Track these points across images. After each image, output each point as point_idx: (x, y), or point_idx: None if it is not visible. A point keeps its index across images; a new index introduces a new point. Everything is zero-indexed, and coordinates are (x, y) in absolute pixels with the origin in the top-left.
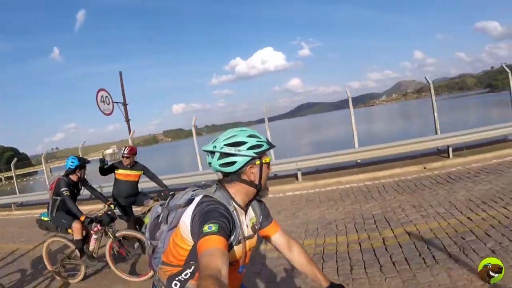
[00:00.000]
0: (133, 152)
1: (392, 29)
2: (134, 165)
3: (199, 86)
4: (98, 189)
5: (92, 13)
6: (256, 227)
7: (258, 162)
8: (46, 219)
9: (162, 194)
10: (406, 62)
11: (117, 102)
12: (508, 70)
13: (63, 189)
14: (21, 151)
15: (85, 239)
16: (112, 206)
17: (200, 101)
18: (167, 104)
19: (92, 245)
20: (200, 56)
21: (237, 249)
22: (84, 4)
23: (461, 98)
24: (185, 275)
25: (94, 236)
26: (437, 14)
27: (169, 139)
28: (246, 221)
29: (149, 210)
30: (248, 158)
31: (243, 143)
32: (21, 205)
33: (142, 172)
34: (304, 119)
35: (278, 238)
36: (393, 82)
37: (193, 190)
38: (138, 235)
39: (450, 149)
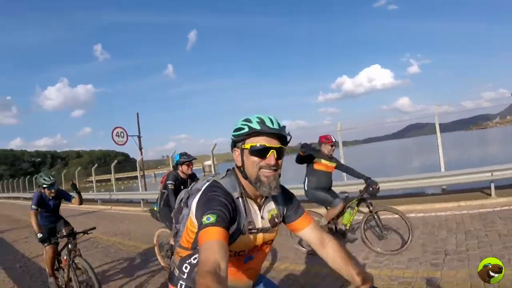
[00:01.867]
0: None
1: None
2: (332, 157)
3: (305, 103)
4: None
5: (203, 33)
6: (276, 220)
7: (240, 146)
8: (156, 209)
9: (371, 189)
10: None
11: (132, 135)
12: None
13: (169, 182)
14: (131, 156)
15: None
16: None
17: (306, 119)
18: None
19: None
20: (307, 74)
21: (244, 239)
22: (195, 26)
23: None
24: (194, 259)
25: None
26: None
27: None
28: (263, 212)
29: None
30: (231, 141)
31: (235, 125)
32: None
33: (336, 164)
34: (412, 140)
35: (308, 233)
36: (509, 102)
37: (213, 176)
38: None
39: None
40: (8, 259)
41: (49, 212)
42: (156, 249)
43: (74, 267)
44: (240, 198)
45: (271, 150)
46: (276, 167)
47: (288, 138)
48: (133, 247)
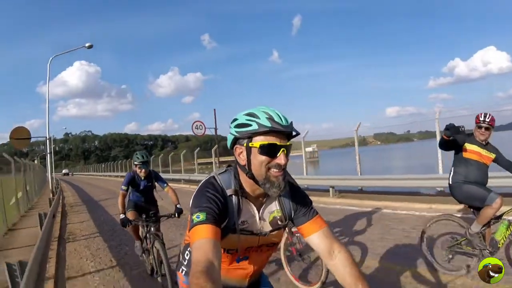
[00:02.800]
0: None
1: None
2: (487, 144)
3: (415, 88)
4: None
5: (307, 18)
6: (280, 223)
7: (245, 144)
8: None
9: None
10: None
11: (209, 128)
12: None
13: None
14: None
15: None
16: None
17: (416, 105)
18: (380, 106)
19: None
20: (416, 57)
21: (234, 238)
22: (300, 10)
23: None
24: None
25: None
26: None
27: (379, 142)
28: (263, 213)
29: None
30: (232, 137)
31: (235, 120)
32: None
33: (495, 156)
34: None
35: (316, 239)
36: None
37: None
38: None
39: None
40: (97, 214)
41: (139, 192)
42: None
43: (155, 251)
44: (233, 196)
45: (282, 149)
46: (285, 166)
47: (294, 133)
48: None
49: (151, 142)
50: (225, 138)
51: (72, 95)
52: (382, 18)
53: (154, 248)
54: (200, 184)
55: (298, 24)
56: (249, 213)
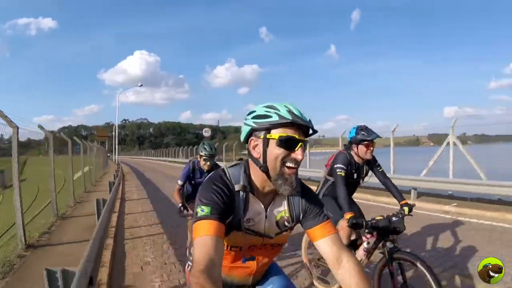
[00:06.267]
0: None
1: None
2: None
3: (475, 88)
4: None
5: (366, 12)
6: (287, 224)
7: (262, 136)
8: None
9: None
10: None
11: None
12: None
13: (338, 165)
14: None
15: (354, 244)
16: (405, 209)
17: (475, 106)
18: (439, 106)
19: (359, 256)
20: (479, 54)
21: (238, 236)
22: (358, 5)
23: None
24: None
25: (364, 245)
26: None
27: (431, 144)
28: (270, 212)
29: None
30: (248, 128)
31: (253, 111)
32: None
33: None
34: None
35: (324, 245)
36: None
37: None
38: (420, 265)
39: None
40: (158, 196)
41: (197, 185)
42: (303, 247)
43: None
44: (241, 192)
45: (300, 143)
46: (299, 164)
47: (310, 131)
48: None
49: (201, 132)
50: None
51: (131, 83)
52: (442, 16)
53: None
54: (208, 177)
55: (357, 18)
56: (256, 211)
